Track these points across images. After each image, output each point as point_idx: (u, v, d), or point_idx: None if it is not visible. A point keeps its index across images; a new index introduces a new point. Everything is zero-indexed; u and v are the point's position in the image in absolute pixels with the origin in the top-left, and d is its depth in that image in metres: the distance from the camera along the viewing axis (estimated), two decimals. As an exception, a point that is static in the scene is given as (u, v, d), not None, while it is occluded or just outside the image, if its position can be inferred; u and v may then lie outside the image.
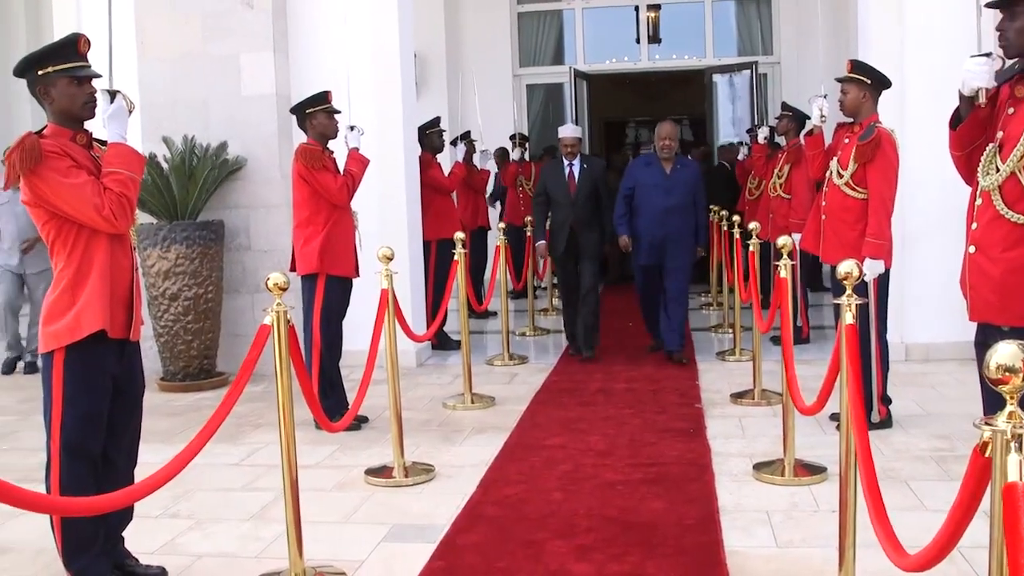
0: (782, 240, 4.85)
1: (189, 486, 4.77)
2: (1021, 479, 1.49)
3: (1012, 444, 1.54)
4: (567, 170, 7.75)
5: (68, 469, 3.34)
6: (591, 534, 3.91)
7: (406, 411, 5.77)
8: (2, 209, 8.04)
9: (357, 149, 6.04)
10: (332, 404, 5.70)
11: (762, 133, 8.78)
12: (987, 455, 1.58)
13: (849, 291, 3.20)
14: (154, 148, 7.35)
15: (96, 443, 3.41)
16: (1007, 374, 1.55)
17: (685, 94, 16.18)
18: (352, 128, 6.07)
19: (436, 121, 8.99)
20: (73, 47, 3.40)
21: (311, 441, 5.52)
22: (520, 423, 5.80)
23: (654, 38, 13.72)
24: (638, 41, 13.70)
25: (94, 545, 3.46)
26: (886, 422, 5.42)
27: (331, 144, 5.96)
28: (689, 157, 9.53)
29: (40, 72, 3.36)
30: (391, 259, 4.97)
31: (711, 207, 9.46)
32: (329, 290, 5.87)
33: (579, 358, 7.76)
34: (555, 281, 10.07)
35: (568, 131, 7.88)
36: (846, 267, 3.22)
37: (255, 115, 7.58)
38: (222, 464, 5.19)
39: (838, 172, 5.38)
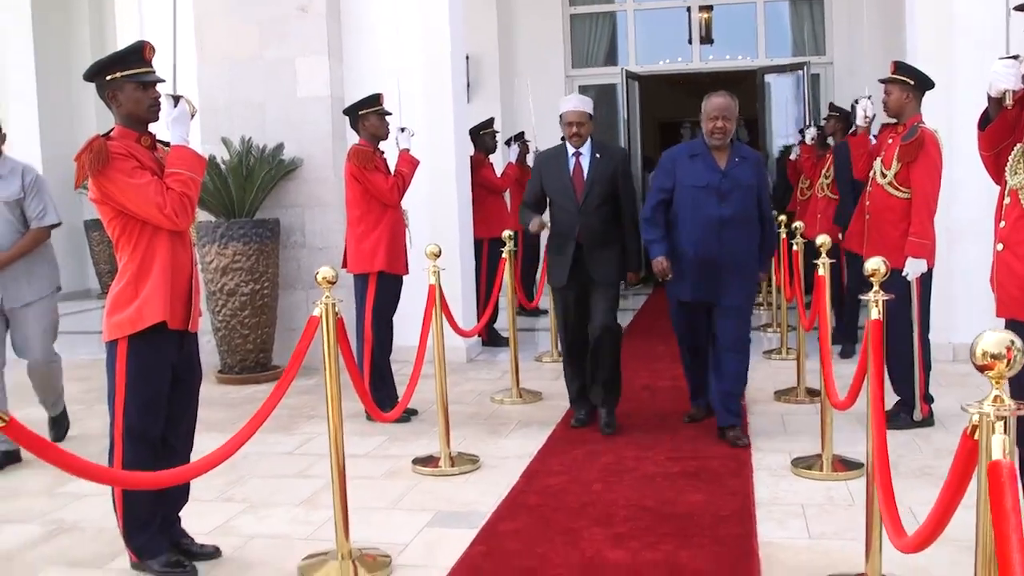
0: (821, 239, 4.93)
1: (243, 472, 4.99)
2: (1004, 457, 1.61)
3: (996, 425, 1.65)
4: (572, 162, 5.57)
5: (130, 451, 3.54)
6: (628, 523, 4.04)
7: (455, 405, 5.95)
8: None
9: (407, 150, 6.22)
10: (382, 397, 5.88)
11: (809, 134, 8.81)
12: (975, 437, 1.69)
13: (876, 287, 3.28)
14: (213, 149, 7.59)
15: (156, 428, 3.61)
16: (992, 360, 1.66)
17: (738, 94, 16.15)
18: (403, 130, 6.25)
19: (489, 122, 9.17)
20: (139, 54, 3.60)
21: (362, 432, 5.71)
22: (565, 417, 5.93)
23: (706, 39, 13.76)
24: (690, 42, 13.74)
25: (152, 524, 3.67)
26: (928, 420, 5.47)
27: (382, 145, 6.14)
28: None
29: (108, 77, 3.57)
30: (438, 256, 5.14)
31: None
32: (380, 287, 6.05)
33: (593, 425, 5.68)
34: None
35: (572, 103, 5.58)
36: (873, 264, 3.31)
37: (310, 117, 7.79)
38: (276, 453, 5.39)
39: (881, 172, 5.45)
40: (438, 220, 7.75)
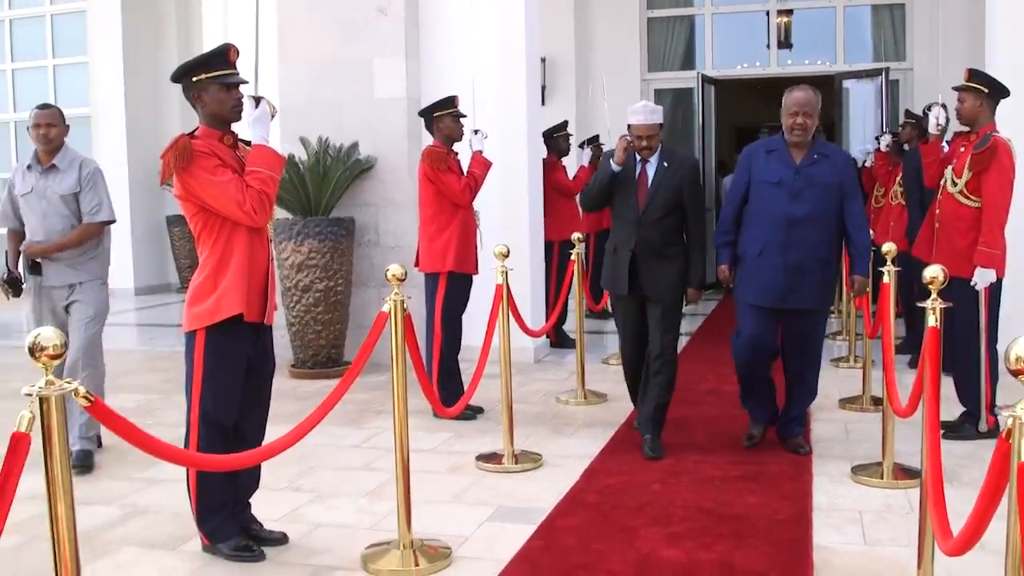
0: (886, 247, 4.94)
1: (313, 463, 5.14)
2: (1030, 460, 1.66)
3: (1018, 427, 1.70)
4: (638, 169, 5.22)
5: (204, 436, 3.70)
6: (684, 523, 4.10)
7: (521, 404, 6.05)
8: (28, 200, 5.31)
9: (481, 152, 6.34)
10: (450, 394, 5.99)
11: (884, 141, 8.73)
12: (1009, 441, 1.74)
13: (935, 295, 3.30)
14: (292, 148, 7.79)
15: (229, 415, 3.77)
16: (1025, 366, 1.72)
17: (823, 100, 15.99)
18: (476, 132, 6.37)
19: (563, 125, 9.27)
20: (224, 56, 3.76)
21: (428, 428, 5.84)
22: (628, 419, 5.98)
23: (785, 43, 13.67)
24: (768, 46, 13.67)
25: (224, 508, 3.83)
26: (993, 432, 5.41)
27: (456, 146, 6.27)
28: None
29: (194, 79, 3.73)
30: (507, 256, 5.23)
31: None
32: (450, 286, 6.17)
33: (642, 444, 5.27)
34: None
35: (641, 115, 5.14)
36: (932, 272, 3.33)
37: (386, 117, 7.95)
38: (344, 446, 5.54)
39: (952, 180, 5.42)
40: (510, 221, 7.86)
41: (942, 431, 5.34)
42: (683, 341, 7.51)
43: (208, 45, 8.63)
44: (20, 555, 3.91)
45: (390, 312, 3.74)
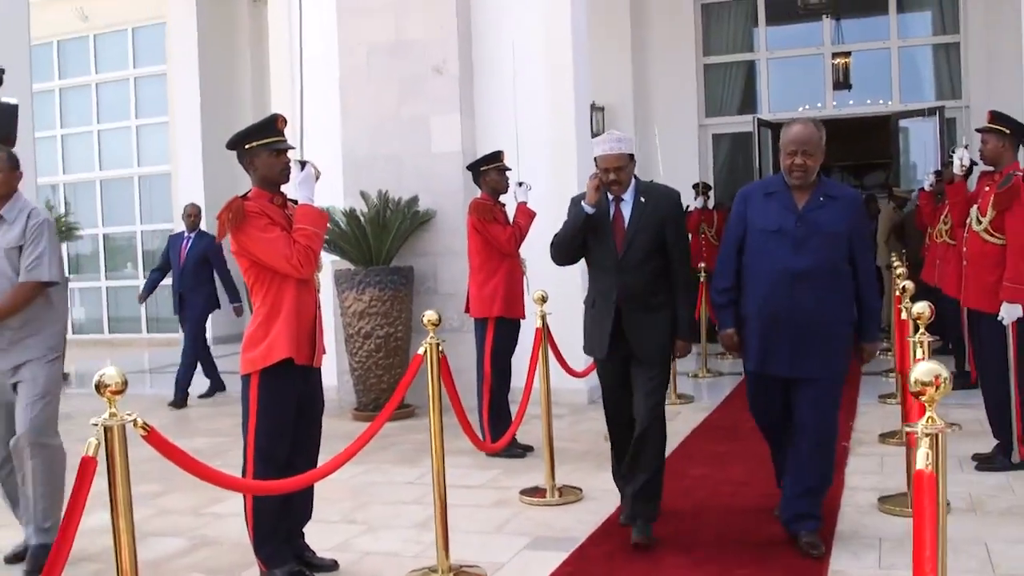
0: (905, 282, 5.13)
1: (367, 499, 5.49)
2: (926, 468, 1.90)
3: (923, 441, 1.95)
4: (612, 210, 4.59)
5: (259, 470, 4.06)
6: (710, 550, 4.34)
7: (569, 443, 6.33)
8: None
9: (525, 203, 6.68)
10: (499, 433, 6.29)
11: (928, 181, 8.88)
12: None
13: (922, 330, 3.52)
14: (353, 201, 8.23)
15: (283, 451, 4.12)
16: (923, 387, 1.97)
17: (874, 139, 16.10)
18: (520, 184, 6.72)
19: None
20: (273, 125, 4.17)
21: (480, 466, 6.15)
22: (671, 455, 6.20)
23: (843, 84, 13.82)
24: (824, 88, 13.84)
25: (278, 536, 4.18)
26: (1026, 463, 5.55)
27: (502, 198, 6.62)
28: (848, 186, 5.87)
29: (246, 146, 4.15)
30: (546, 301, 5.55)
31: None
32: (498, 331, 6.50)
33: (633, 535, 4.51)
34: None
35: (605, 144, 4.56)
36: (919, 307, 3.55)
37: (443, 170, 8.35)
38: (398, 482, 5.88)
39: (977, 219, 5.60)
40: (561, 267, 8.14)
41: (975, 463, 5.53)
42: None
43: (276, 106, 9.20)
44: (96, 581, 4.30)
45: (426, 354, 4.07)
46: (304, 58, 8.03)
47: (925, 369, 1.97)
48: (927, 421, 1.99)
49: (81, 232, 13.72)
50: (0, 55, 10.37)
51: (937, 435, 1.97)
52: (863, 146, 16.98)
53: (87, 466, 2.48)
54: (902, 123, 13.36)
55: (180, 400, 9.29)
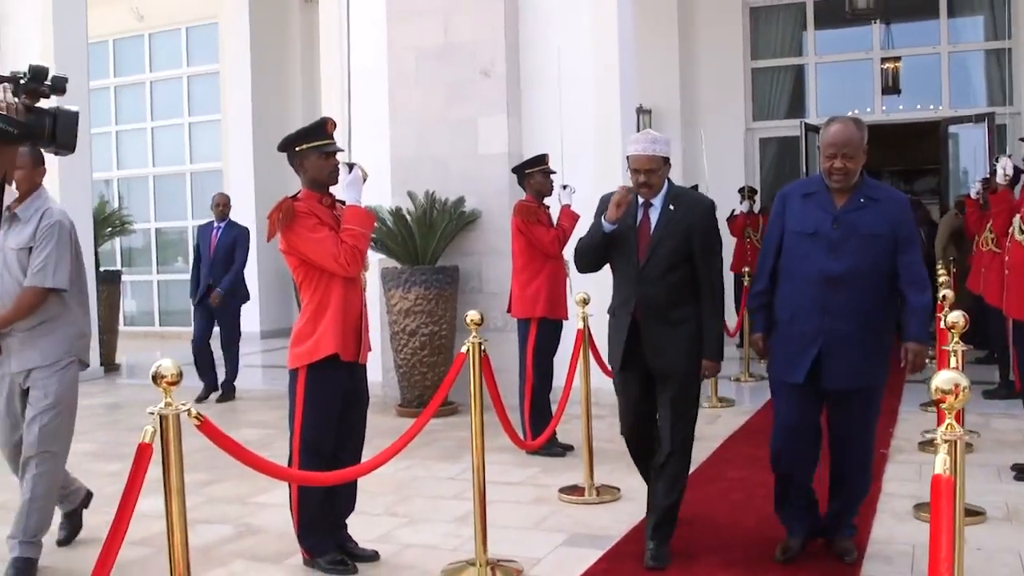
0: (952, 318, 5.08)
1: (408, 493, 5.61)
2: (944, 472, 1.97)
3: (942, 447, 2.02)
4: (639, 215, 4.35)
5: (305, 461, 4.20)
6: (741, 551, 4.41)
7: (608, 443, 6.40)
8: None
9: (569, 205, 6.77)
10: (540, 431, 6.39)
11: (974, 189, 8.85)
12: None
13: (956, 338, 3.56)
14: (400, 201, 8.36)
15: (328, 444, 4.25)
16: (943, 395, 2.03)
17: (923, 145, 16.00)
18: (565, 187, 6.81)
19: (694, 188, 9.66)
20: (322, 128, 4.30)
21: (521, 464, 6.25)
22: (710, 457, 6.29)
23: (892, 89, 13.74)
24: (873, 93, 13.78)
25: (323, 526, 4.31)
26: (1062, 471, 5.55)
27: (546, 201, 6.72)
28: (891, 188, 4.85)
29: (296, 148, 4.28)
30: (587, 303, 5.64)
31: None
32: (540, 331, 6.59)
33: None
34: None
35: (639, 144, 4.32)
36: (953, 317, 3.60)
37: (489, 172, 8.45)
38: (440, 477, 6.00)
39: (1020, 228, 5.61)
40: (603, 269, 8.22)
41: (1014, 473, 5.54)
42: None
43: (327, 105, 9.36)
44: (146, 566, 4.45)
45: (468, 353, 4.18)
46: (354, 61, 8.22)
47: (946, 378, 2.04)
48: (946, 428, 2.06)
49: (134, 226, 14.00)
50: (58, 53, 10.72)
51: (955, 442, 2.04)
52: (913, 152, 16.90)
53: (143, 452, 2.62)
54: (951, 129, 13.25)
55: (228, 393, 9.42)
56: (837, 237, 4.05)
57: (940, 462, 2.01)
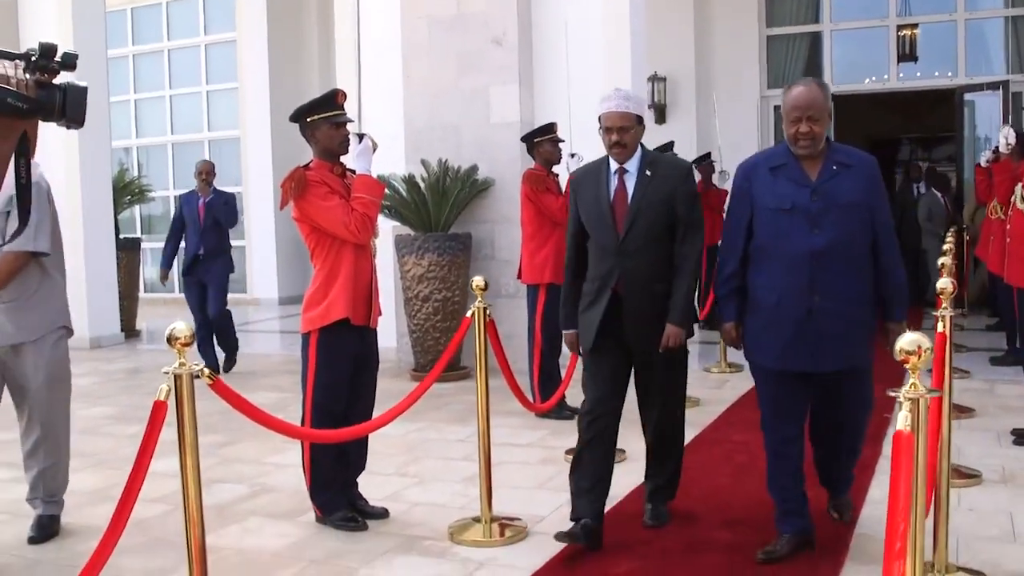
0: (941, 283, 5.16)
1: (419, 454, 5.77)
2: (905, 429, 2.09)
3: (905, 404, 2.14)
4: (613, 182, 4.17)
5: (316, 421, 4.36)
6: (742, 511, 4.54)
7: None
8: None
9: (577, 173, 6.86)
10: (549, 395, 6.54)
11: (984, 157, 8.89)
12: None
13: (945, 304, 3.66)
14: (413, 169, 8.48)
15: (338, 404, 4.40)
16: (907, 355, 2.15)
17: (939, 113, 15.96)
18: (573, 155, 6.91)
19: (669, 145, 9.70)
20: (333, 99, 4.41)
21: (531, 426, 6.40)
22: (715, 421, 6.41)
23: (909, 56, 13.70)
24: (889, 61, 13.76)
25: (334, 485, 4.47)
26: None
27: (555, 169, 6.82)
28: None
29: (308, 119, 4.40)
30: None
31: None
32: (549, 297, 6.71)
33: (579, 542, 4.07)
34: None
35: (612, 102, 4.12)
36: (942, 284, 3.69)
37: (501, 140, 8.55)
38: (450, 440, 6.15)
39: (1022, 196, 5.68)
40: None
41: (1013, 437, 5.65)
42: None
43: (341, 73, 9.46)
44: (165, 520, 4.63)
45: (474, 317, 4.31)
46: (366, 30, 8.33)
47: (909, 340, 2.16)
48: (910, 387, 2.18)
49: (153, 194, 14.17)
50: (77, 23, 10.84)
51: (919, 400, 2.16)
52: (930, 119, 16.86)
53: (159, 410, 2.76)
54: (967, 96, 13.22)
55: (229, 362, 9.17)
56: (817, 210, 3.78)
57: (902, 419, 2.13)
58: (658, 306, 4.11)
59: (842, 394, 4.02)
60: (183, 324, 2.85)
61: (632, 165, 4.16)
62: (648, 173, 4.12)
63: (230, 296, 9.29)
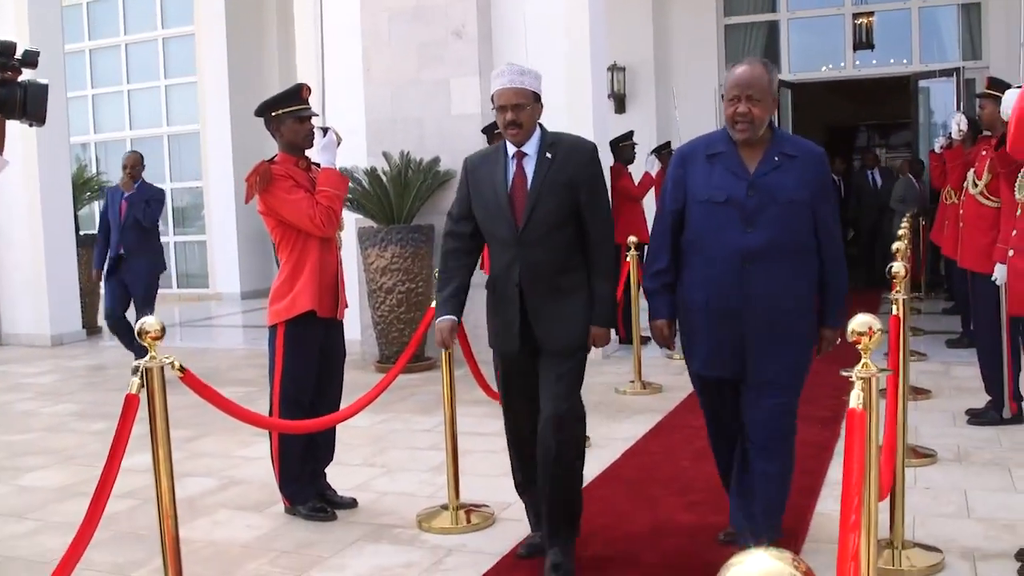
0: (895, 268, 5.28)
1: (385, 445, 5.82)
2: (858, 407, 2.18)
3: (858, 384, 2.23)
4: (511, 168, 3.75)
5: (284, 412, 4.41)
6: (703, 494, 4.63)
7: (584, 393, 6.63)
8: None
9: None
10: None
11: (938, 143, 9.05)
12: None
13: (898, 288, 3.76)
14: (375, 161, 8.51)
15: (305, 395, 4.46)
16: (859, 336, 2.25)
17: (895, 100, 16.18)
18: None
19: (629, 135, 9.83)
20: (297, 94, 4.45)
21: (494, 415, 6.36)
22: (677, 407, 6.51)
23: (865, 44, 13.88)
24: (847, 48, 13.94)
25: (302, 476, 4.52)
26: (1017, 418, 5.79)
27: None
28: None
29: (273, 113, 4.44)
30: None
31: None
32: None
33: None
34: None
35: (505, 78, 3.73)
36: (896, 267, 3.80)
37: (462, 132, 8.58)
38: (417, 430, 6.21)
39: (974, 182, 5.82)
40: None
41: (968, 417, 5.79)
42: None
43: (302, 66, 9.46)
44: (133, 515, 4.66)
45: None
46: (327, 21, 8.31)
47: (860, 321, 2.25)
48: (862, 367, 2.27)
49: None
50: (33, 18, 10.74)
51: (871, 379, 2.25)
52: (886, 106, 17.08)
53: (130, 403, 2.80)
54: (922, 83, 13.43)
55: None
56: (753, 206, 3.46)
57: (855, 397, 2.22)
58: (565, 300, 3.69)
59: (768, 402, 3.53)
60: (152, 318, 2.88)
61: (531, 148, 3.72)
62: (549, 156, 3.69)
63: (194, 291, 9.23)
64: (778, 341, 3.48)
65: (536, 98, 3.73)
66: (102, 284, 8.30)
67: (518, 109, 3.66)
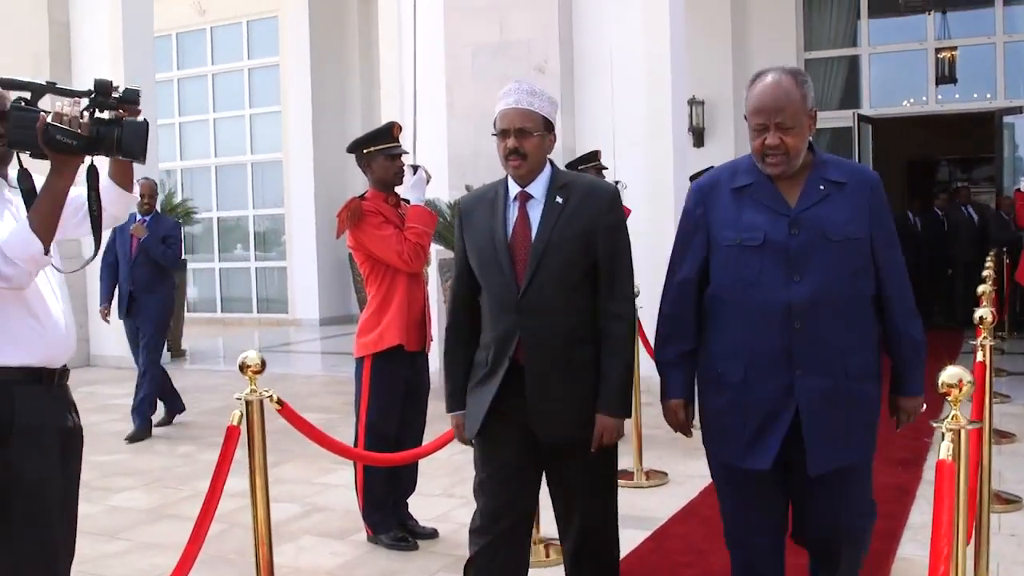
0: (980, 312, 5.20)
1: (465, 475, 5.84)
2: (948, 458, 2.20)
3: (947, 435, 2.25)
4: (512, 212, 3.03)
5: (369, 443, 4.50)
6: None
7: (655, 429, 6.60)
8: None
9: (619, 199, 6.97)
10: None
11: (1022, 182, 8.92)
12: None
13: (985, 333, 3.74)
14: (458, 195, 8.62)
15: (391, 427, 4.56)
16: (949, 388, 2.26)
17: (983, 135, 15.93)
18: (617, 182, 7.02)
19: (706, 170, 9.83)
20: (388, 132, 4.59)
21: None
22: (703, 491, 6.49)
23: (948, 78, 13.73)
24: (930, 83, 13.79)
25: (386, 505, 4.62)
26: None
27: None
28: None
29: (364, 151, 4.57)
30: (638, 294, 5.84)
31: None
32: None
33: None
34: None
35: (512, 97, 3.03)
36: (982, 313, 3.77)
37: (543, 166, 8.68)
38: (495, 461, 6.27)
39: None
40: (656, 259, 8.42)
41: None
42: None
43: (385, 99, 9.67)
44: (222, 539, 4.78)
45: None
46: (411, 58, 8.50)
47: (951, 373, 2.26)
48: (951, 418, 2.29)
49: (198, 215, 14.45)
50: (127, 50, 11.14)
51: (960, 431, 2.26)
52: (969, 140, 16.83)
53: (231, 435, 2.92)
54: (1006, 119, 13.24)
55: (141, 430, 7.43)
56: (798, 248, 2.74)
57: (944, 449, 2.23)
58: (576, 381, 2.97)
59: (834, 500, 2.84)
60: (254, 353, 3.00)
61: (538, 189, 3.02)
62: (560, 200, 2.99)
63: (273, 316, 9.39)
64: (841, 417, 2.76)
65: (548, 126, 3.03)
66: (109, 319, 7.76)
67: (522, 135, 2.96)
